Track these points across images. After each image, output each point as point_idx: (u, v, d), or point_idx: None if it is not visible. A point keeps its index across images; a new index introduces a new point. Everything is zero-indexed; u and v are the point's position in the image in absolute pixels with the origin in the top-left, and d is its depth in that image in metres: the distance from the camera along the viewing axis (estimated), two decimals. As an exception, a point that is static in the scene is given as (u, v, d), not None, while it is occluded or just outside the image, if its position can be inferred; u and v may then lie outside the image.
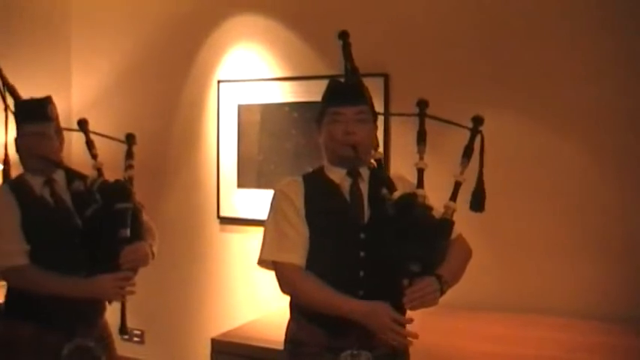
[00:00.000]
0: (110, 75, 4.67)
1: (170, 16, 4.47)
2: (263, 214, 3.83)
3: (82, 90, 4.70)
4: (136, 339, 4.42)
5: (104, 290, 2.50)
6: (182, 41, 4.43)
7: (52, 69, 4.62)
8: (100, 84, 4.69)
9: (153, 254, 2.64)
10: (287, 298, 2.33)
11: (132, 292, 2.51)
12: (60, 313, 2.51)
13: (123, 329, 2.55)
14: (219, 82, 4.30)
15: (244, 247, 4.18)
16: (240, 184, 4.24)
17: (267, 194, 4.03)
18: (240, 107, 4.23)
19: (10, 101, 2.77)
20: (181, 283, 4.38)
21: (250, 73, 4.22)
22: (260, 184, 4.17)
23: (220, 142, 4.29)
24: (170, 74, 4.48)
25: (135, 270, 2.54)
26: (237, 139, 4.25)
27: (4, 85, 2.77)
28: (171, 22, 4.46)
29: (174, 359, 4.41)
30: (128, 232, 2.50)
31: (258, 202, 4.14)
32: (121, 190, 2.51)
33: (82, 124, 2.73)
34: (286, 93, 4.10)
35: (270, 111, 4.15)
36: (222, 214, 4.29)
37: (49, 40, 4.64)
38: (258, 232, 3.94)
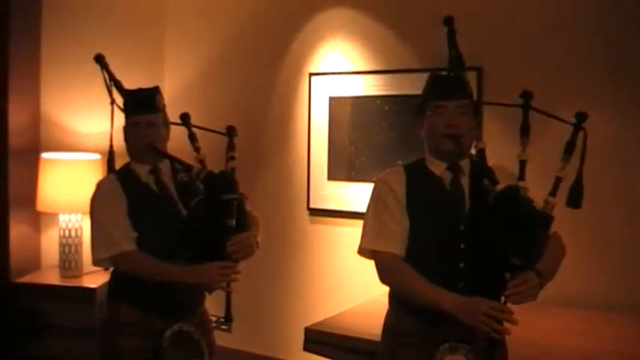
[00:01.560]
0: (202, 68, 4.77)
1: (263, 9, 4.53)
2: (352, 206, 3.88)
3: (174, 83, 4.81)
4: (223, 327, 4.50)
5: (210, 277, 2.54)
6: (274, 34, 4.48)
7: (146, 62, 4.74)
8: (192, 77, 4.79)
9: (257, 244, 2.68)
10: (378, 290, 2.35)
11: (235, 280, 2.56)
12: (163, 299, 2.59)
13: (227, 318, 2.62)
14: (310, 74, 4.33)
15: (334, 239, 4.22)
16: (331, 177, 4.27)
17: (357, 187, 4.15)
18: (331, 100, 4.26)
19: (116, 95, 2.86)
20: (271, 272, 4.44)
21: (342, 66, 4.24)
22: (350, 177, 4.19)
23: (311, 134, 4.33)
24: (262, 67, 4.54)
25: (240, 260, 2.58)
26: (327, 131, 4.28)
27: (110, 80, 2.86)
28: (264, 14, 4.52)
29: (265, 348, 4.48)
30: (234, 222, 2.54)
31: (347, 195, 4.17)
32: (227, 180, 2.56)
33: (185, 118, 2.81)
34: (377, 86, 4.11)
35: (360, 104, 4.17)
36: (312, 205, 4.33)
37: (143, 34, 4.77)
38: (348, 224, 4.05)
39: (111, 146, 2.92)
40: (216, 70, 4.70)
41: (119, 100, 2.81)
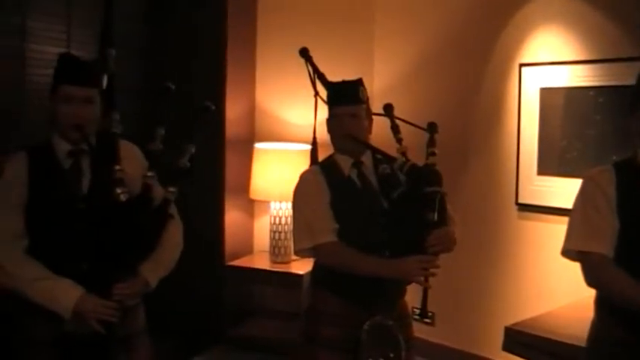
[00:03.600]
0: (411, 59, 4.75)
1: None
2: (564, 202, 3.69)
3: (384, 75, 4.84)
4: (426, 320, 4.49)
5: (408, 271, 2.52)
6: (484, 24, 4.37)
7: (356, 54, 4.81)
8: (401, 68, 4.79)
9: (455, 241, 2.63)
10: (585, 292, 2.22)
11: (433, 275, 2.52)
12: (364, 291, 2.61)
13: (423, 313, 2.57)
14: (520, 65, 4.18)
15: (543, 236, 4.05)
16: (541, 171, 4.10)
17: (569, 182, 3.93)
18: (542, 91, 4.09)
19: (319, 88, 2.93)
20: (475, 267, 4.36)
21: (553, 56, 4.05)
22: (560, 172, 4.00)
23: (521, 127, 4.18)
24: (470, 59, 4.45)
25: (439, 254, 2.54)
26: (538, 124, 4.11)
27: (314, 73, 2.93)
28: (473, 5, 4.43)
29: (464, 343, 4.42)
30: (435, 215, 2.51)
31: (559, 190, 3.98)
32: (432, 174, 2.53)
33: (388, 109, 2.82)
34: (591, 76, 3.87)
35: (573, 95, 3.96)
36: (521, 200, 4.19)
37: (353, 28, 4.84)
38: (558, 221, 3.86)
39: (314, 138, 2.99)
40: (425, 63, 4.67)
41: (324, 93, 2.87)
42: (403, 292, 2.78)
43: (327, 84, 2.85)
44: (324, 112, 2.83)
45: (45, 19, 3.74)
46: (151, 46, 4.40)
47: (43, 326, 2.35)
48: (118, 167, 2.33)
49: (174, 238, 2.57)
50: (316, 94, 2.92)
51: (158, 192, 2.42)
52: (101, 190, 2.34)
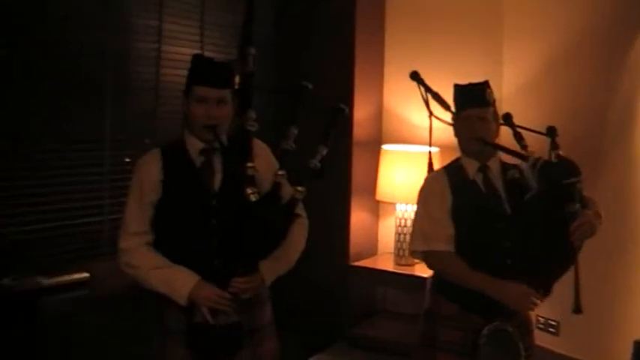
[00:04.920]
0: (542, 61, 4.59)
1: None
2: None
3: (512, 77, 4.71)
4: (551, 329, 4.34)
5: (517, 303, 2.52)
6: (619, 22, 4.17)
7: (483, 55, 4.69)
8: (531, 71, 4.64)
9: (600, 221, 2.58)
10: None
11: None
12: (482, 297, 2.56)
13: (577, 307, 2.56)
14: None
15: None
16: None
17: None
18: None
19: (435, 107, 2.91)
20: (604, 277, 4.15)
21: None
22: None
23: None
24: (604, 57, 4.25)
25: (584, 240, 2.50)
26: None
27: (427, 92, 2.90)
28: (609, 3, 4.23)
29: (589, 355, 4.23)
30: (578, 206, 2.44)
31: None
32: (567, 165, 2.46)
33: (507, 119, 2.77)
34: None
35: None
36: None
37: (481, 27, 4.72)
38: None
39: (430, 162, 2.99)
40: (555, 64, 4.49)
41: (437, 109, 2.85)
42: None
43: (443, 103, 2.86)
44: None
45: (180, 21, 3.88)
46: (280, 47, 4.49)
47: (176, 317, 2.45)
48: (250, 164, 2.38)
49: (297, 238, 2.60)
50: (430, 114, 2.88)
51: (287, 191, 2.45)
52: (233, 187, 2.39)
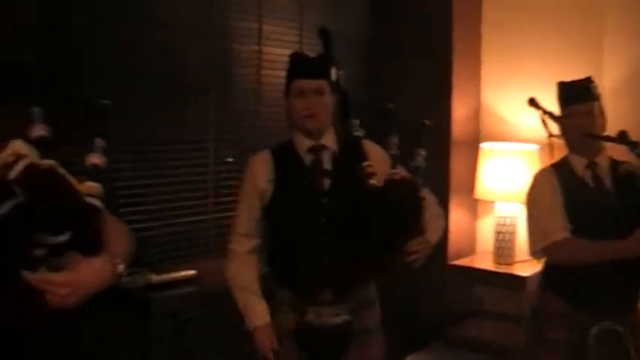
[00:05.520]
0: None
1: None
2: None
3: (614, 73, 4.56)
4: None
5: None
6: None
7: (584, 52, 4.56)
8: (634, 65, 4.50)
9: None
10: None
11: None
12: (593, 294, 2.55)
13: None
14: None
15: None
16: None
17: None
18: None
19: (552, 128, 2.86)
20: None
21: None
22: None
23: None
24: None
25: None
26: None
27: (544, 114, 2.86)
28: None
29: None
30: None
31: None
32: None
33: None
34: None
35: None
36: None
37: (581, 21, 4.58)
38: None
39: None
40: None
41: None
42: (637, 299, 2.66)
43: (557, 119, 2.80)
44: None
45: (279, 23, 3.93)
46: (378, 46, 4.50)
47: (289, 315, 2.51)
48: (367, 163, 2.40)
49: (434, 209, 2.58)
50: (550, 135, 2.85)
51: None
52: (344, 186, 2.45)
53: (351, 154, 2.46)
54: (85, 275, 1.56)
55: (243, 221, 2.55)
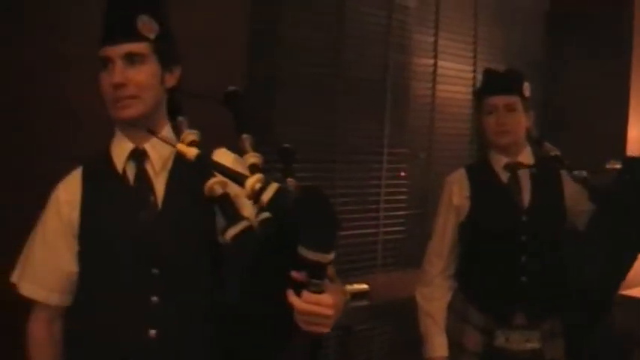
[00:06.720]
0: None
1: None
2: None
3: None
4: None
5: None
6: None
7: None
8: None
9: None
10: None
11: None
12: None
13: None
14: None
15: None
16: None
17: None
18: None
19: None
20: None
21: None
22: None
23: None
24: None
25: None
26: None
27: None
28: None
29: None
30: None
31: None
32: None
33: None
34: None
35: None
36: None
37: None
38: None
39: None
40: None
41: None
42: None
43: None
44: None
45: (454, 37, 3.87)
46: (551, 60, 4.36)
47: (474, 337, 2.44)
48: None
49: None
50: None
51: None
52: (544, 203, 2.40)
53: (549, 173, 2.42)
54: (337, 300, 1.43)
55: (438, 240, 2.53)
